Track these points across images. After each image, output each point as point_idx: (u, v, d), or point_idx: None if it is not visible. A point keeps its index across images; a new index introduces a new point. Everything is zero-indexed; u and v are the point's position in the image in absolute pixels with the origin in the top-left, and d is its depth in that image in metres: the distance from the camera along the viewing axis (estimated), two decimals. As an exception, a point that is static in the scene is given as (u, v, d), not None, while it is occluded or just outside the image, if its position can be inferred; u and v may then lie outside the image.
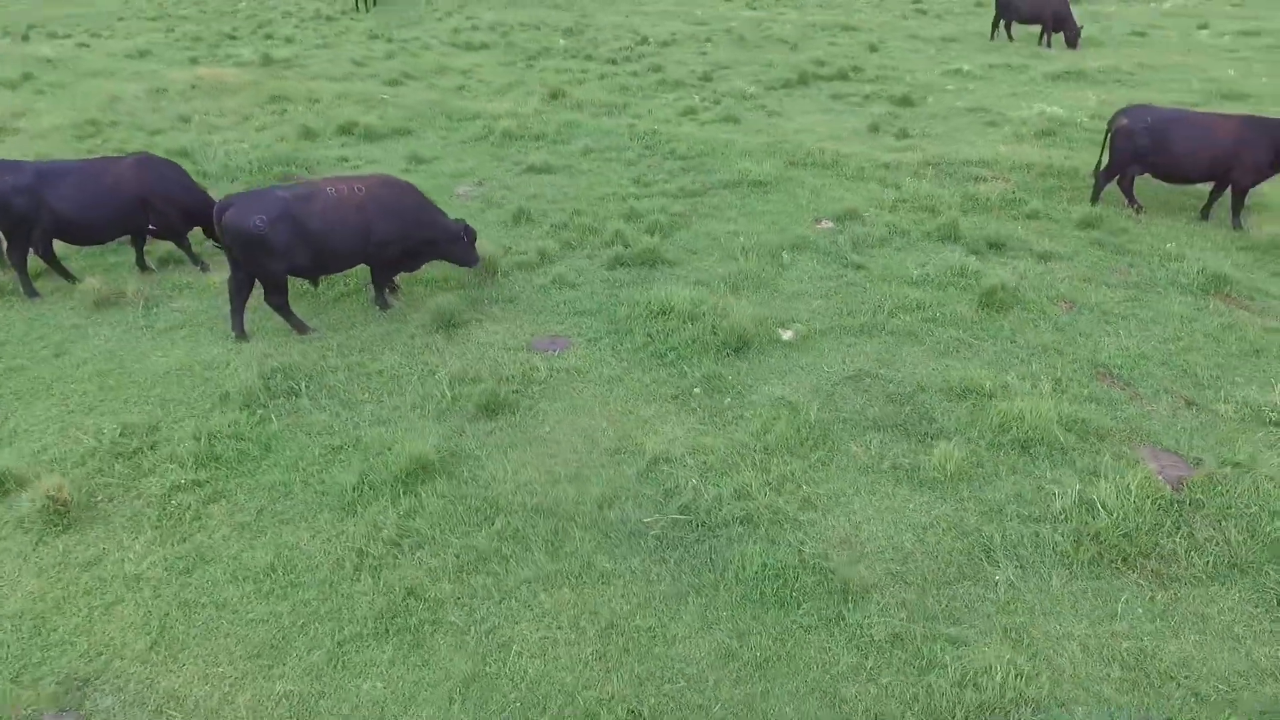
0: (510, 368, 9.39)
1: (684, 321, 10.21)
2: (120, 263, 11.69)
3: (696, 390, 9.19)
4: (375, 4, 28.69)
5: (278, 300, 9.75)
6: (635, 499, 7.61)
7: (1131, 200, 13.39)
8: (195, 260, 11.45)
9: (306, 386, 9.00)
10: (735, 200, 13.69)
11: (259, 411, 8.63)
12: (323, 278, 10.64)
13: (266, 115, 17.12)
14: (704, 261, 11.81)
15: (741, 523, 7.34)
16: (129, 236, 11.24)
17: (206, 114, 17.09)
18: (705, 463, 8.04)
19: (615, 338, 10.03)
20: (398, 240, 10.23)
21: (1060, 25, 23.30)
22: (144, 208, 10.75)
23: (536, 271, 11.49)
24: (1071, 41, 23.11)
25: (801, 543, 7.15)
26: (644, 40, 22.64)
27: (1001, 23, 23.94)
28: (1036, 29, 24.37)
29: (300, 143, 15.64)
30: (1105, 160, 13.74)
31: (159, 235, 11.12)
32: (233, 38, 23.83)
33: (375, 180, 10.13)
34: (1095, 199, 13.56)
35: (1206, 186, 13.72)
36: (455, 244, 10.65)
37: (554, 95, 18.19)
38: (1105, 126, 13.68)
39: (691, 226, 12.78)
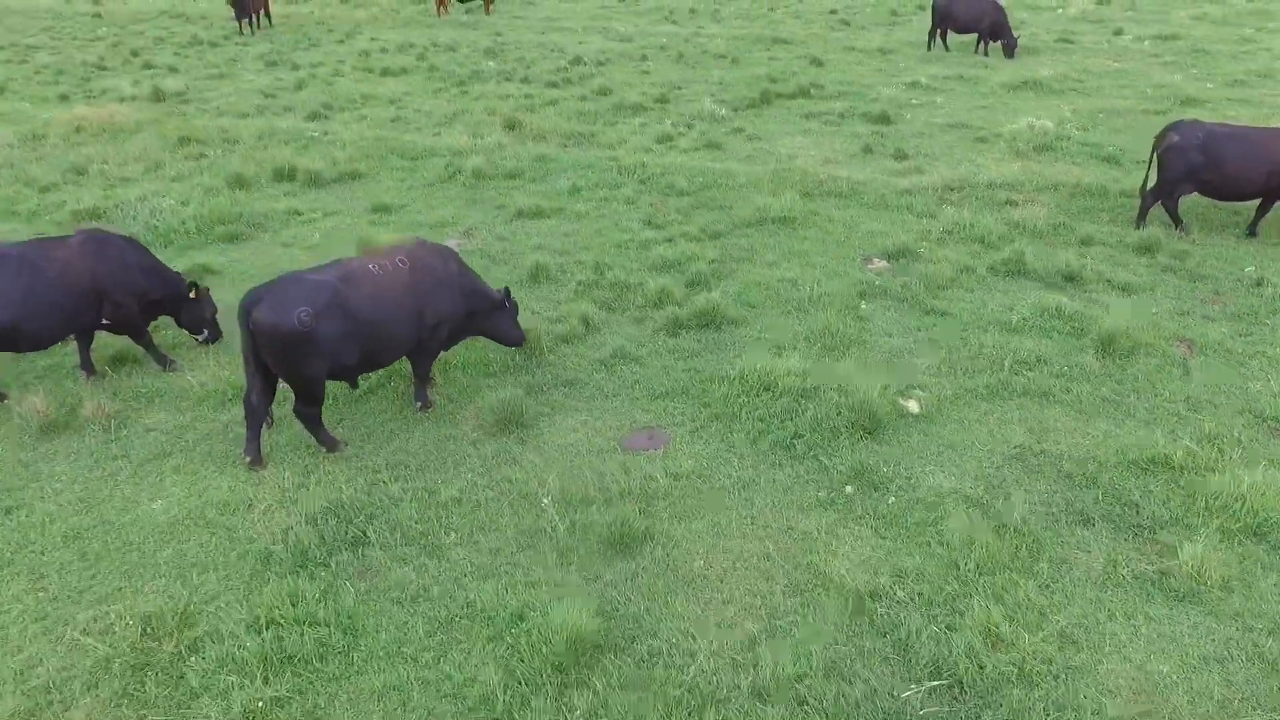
0: (618, 479, 7.52)
1: (796, 399, 8.56)
2: (55, 366, 9.16)
3: (849, 489, 7.56)
4: (263, 26, 25.79)
5: (312, 410, 7.58)
6: (864, 659, 5.90)
7: (1178, 221, 12.51)
8: (160, 359, 9.05)
9: (372, 530, 6.90)
10: (767, 240, 12.11)
11: (321, 575, 6.49)
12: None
13: (180, 162, 14.50)
14: (770, 317, 10.18)
15: (1015, 682, 5.73)
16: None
17: (105, 163, 14.34)
18: (920, 594, 6.41)
19: (721, 426, 8.29)
20: (450, 318, 8.23)
21: (997, 34, 22.78)
22: (98, 300, 8.36)
23: (586, 344, 9.61)
24: (1009, 50, 22.60)
25: (1098, 703, 5.59)
26: (578, 60, 20.84)
27: (938, 32, 23.27)
28: (972, 38, 23.78)
29: (235, 194, 13.18)
30: (1152, 179, 12.84)
31: (114, 330, 8.71)
32: (103, 69, 20.71)
33: (416, 248, 8.10)
34: (1141, 221, 12.60)
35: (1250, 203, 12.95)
36: (500, 317, 8.75)
37: (510, 125, 16.20)
38: (1151, 144, 12.75)
39: (735, 275, 11.13)
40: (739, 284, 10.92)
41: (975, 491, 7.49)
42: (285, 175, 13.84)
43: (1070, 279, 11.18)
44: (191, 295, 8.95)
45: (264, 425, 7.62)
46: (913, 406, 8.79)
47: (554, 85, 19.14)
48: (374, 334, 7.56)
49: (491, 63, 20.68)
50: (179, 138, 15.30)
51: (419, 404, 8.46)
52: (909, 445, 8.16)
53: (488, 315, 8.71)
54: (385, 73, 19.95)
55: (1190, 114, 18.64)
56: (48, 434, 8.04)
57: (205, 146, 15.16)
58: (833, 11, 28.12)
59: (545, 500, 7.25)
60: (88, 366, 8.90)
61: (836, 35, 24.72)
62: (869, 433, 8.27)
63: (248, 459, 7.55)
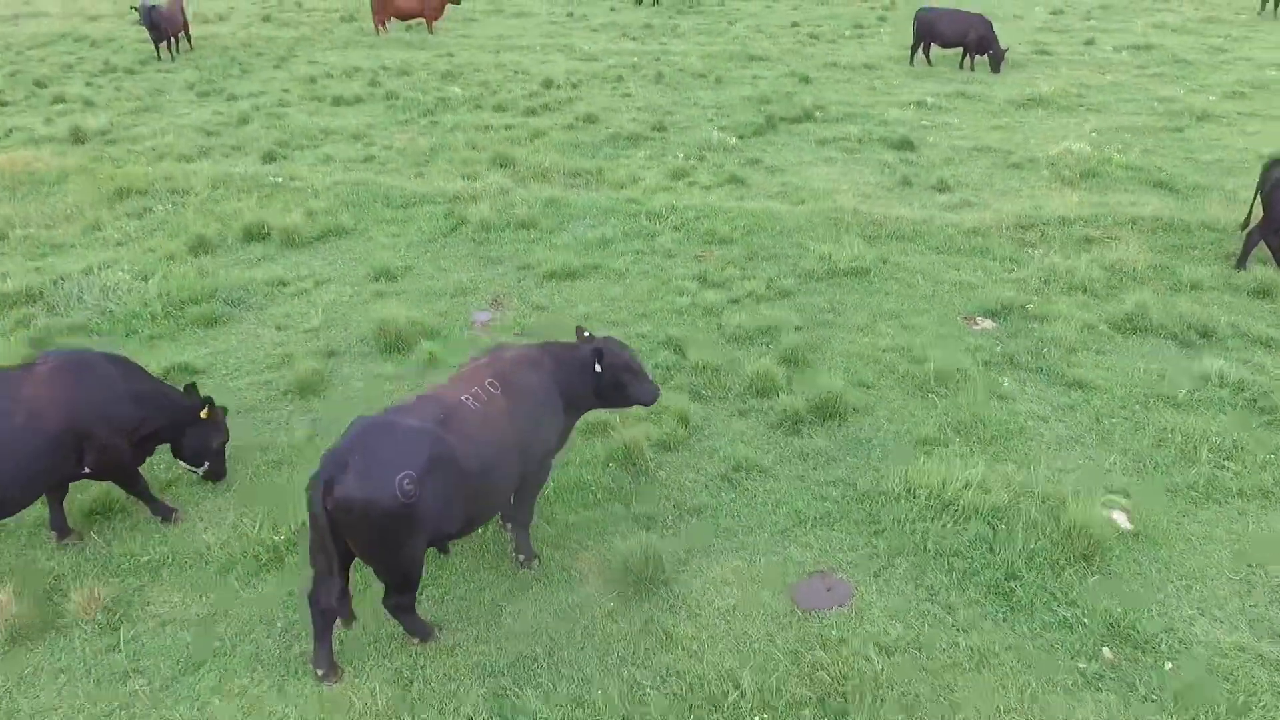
0: (818, 659, 5.69)
1: (987, 520, 6.86)
2: (11, 533, 6.83)
3: (1106, 652, 5.88)
4: (183, 50, 23.06)
5: (408, 599, 5.53)
6: None
7: (1281, 261, 11.31)
8: (159, 508, 6.84)
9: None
10: (846, 297, 10.42)
11: None
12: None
13: (123, 220, 12.05)
14: (895, 400, 8.49)
15: None
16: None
17: (28, 225, 11.80)
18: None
19: (909, 565, 6.56)
20: (560, 435, 6.29)
21: (984, 48, 21.64)
22: (78, 444, 6.15)
23: (693, 450, 7.74)
24: (995, 64, 21.48)
25: None
26: (549, 83, 18.86)
27: (920, 46, 22.02)
28: (945, 50, 22.61)
29: (200, 261, 10.86)
30: (1257, 217, 11.58)
31: (98, 478, 6.50)
32: (2, 104, 17.84)
33: (504, 364, 6.10)
34: (1244, 262, 11.30)
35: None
36: (614, 382, 6.55)
37: (501, 162, 14.17)
38: (1258, 180, 11.50)
39: (830, 345, 9.41)
40: (841, 357, 9.18)
41: (1265, 647, 5.90)
42: (256, 234, 11.56)
43: (1203, 334, 9.77)
44: (204, 415, 6.77)
45: (341, 623, 5.52)
46: (1121, 520, 7.17)
47: (533, 113, 17.12)
48: (480, 490, 5.57)
49: (455, 88, 18.52)
50: (115, 189, 12.83)
51: (521, 558, 6.47)
52: (1144, 578, 6.54)
53: (596, 395, 6.59)
54: (338, 102, 17.61)
55: (1207, 129, 17.72)
56: (20, 643, 5.79)
57: (149, 199, 12.73)
58: (794, 25, 26.67)
59: (740, 701, 5.37)
60: (60, 527, 6.63)
61: (810, 50, 23.25)
62: (1087, 561, 6.64)
63: (319, 671, 5.46)
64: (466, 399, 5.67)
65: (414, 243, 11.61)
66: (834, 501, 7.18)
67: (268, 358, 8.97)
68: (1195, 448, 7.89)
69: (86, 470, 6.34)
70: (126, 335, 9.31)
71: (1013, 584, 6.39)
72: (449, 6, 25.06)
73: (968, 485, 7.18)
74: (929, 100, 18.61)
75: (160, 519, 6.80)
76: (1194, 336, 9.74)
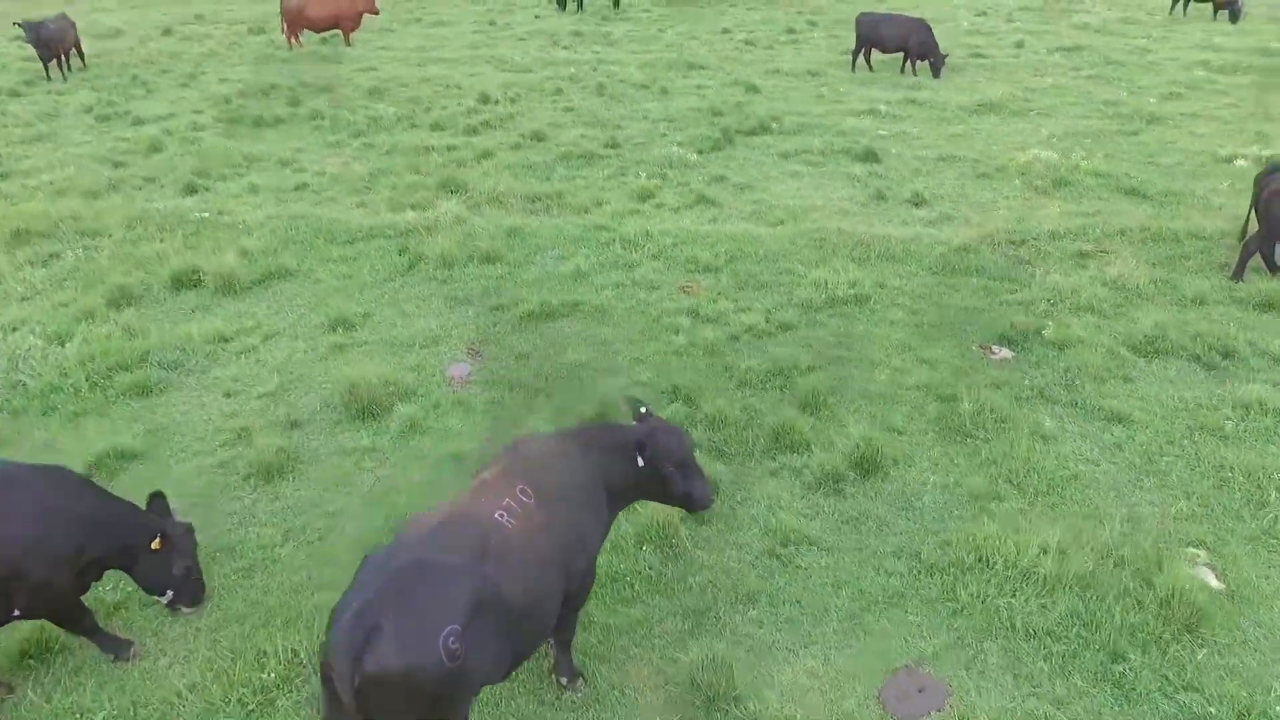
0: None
1: (1075, 590, 6.14)
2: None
3: (1248, 752, 5.18)
4: (76, 68, 21.22)
5: (452, 769, 4.48)
6: None
7: (1274, 268, 10.92)
8: (110, 645, 5.63)
9: None
10: (852, 328, 9.67)
11: None
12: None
13: (25, 270, 10.55)
14: (932, 445, 7.80)
15: None
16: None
17: (-87, 278, 10.25)
18: None
19: (1000, 649, 5.81)
20: (600, 538, 5.31)
21: (925, 53, 21.23)
22: (3, 584, 4.95)
23: (729, 523, 6.84)
24: (936, 70, 21.09)
25: None
26: (486, 99, 17.70)
27: (861, 52, 21.52)
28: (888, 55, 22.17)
29: (124, 315, 9.50)
30: (1253, 227, 11.17)
31: (31, 618, 5.28)
32: None
33: (532, 459, 5.10)
34: (1240, 273, 10.90)
35: None
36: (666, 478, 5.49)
37: (451, 188, 13.04)
38: (1253, 187, 11.14)
39: (849, 384, 8.63)
40: (862, 399, 8.39)
41: None
42: (187, 281, 10.23)
43: (1225, 354, 9.28)
44: (154, 546, 5.55)
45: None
46: (1211, 579, 6.51)
47: (474, 131, 15.95)
48: (530, 622, 4.58)
49: (384, 105, 17.26)
50: (12, 231, 11.32)
51: (564, 680, 5.46)
52: (1253, 647, 5.90)
53: (636, 488, 5.50)
54: (259, 123, 16.16)
55: (1159, 132, 17.54)
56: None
57: (54, 243, 11.25)
58: (726, 31, 25.95)
59: None
60: (-10, 675, 5.40)
61: (749, 57, 22.54)
62: (1191, 632, 5.94)
63: None
64: (500, 515, 4.65)
65: (368, 284, 10.45)
66: (900, 576, 6.36)
67: (219, 433, 7.75)
68: (1261, 488, 7.30)
69: (17, 614, 5.13)
70: (44, 413, 7.97)
71: (1120, 667, 5.66)
72: (366, 16, 23.64)
73: (1044, 551, 6.43)
74: (882, 108, 18.06)
75: (113, 657, 5.59)
76: (1216, 358, 9.23)
